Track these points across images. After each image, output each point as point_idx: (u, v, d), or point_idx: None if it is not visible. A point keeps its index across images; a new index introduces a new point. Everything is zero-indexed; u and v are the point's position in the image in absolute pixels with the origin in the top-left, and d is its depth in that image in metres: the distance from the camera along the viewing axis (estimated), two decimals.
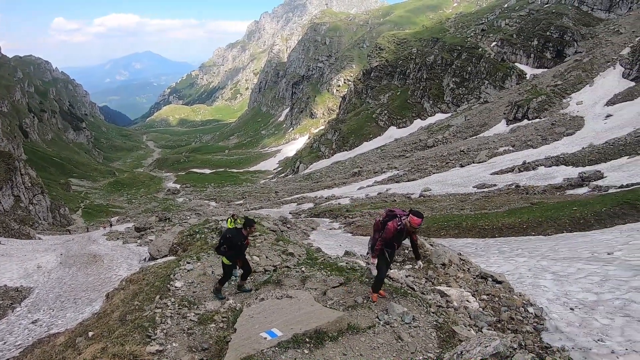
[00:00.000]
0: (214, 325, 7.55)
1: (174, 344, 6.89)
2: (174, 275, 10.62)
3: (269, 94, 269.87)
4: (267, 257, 13.00)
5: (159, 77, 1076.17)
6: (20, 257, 30.35)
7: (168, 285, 9.87)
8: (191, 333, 7.31)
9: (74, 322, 14.06)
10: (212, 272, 11.12)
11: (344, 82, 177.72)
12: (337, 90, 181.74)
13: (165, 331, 7.34)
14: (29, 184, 68.74)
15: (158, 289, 9.76)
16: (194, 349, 6.75)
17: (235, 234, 9.47)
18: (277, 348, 5.94)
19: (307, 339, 6.20)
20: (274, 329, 6.37)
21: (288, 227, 28.75)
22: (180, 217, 48.86)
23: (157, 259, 20.35)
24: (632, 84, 65.41)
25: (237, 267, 9.92)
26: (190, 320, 7.84)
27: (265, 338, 6.18)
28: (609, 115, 59.05)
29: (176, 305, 8.55)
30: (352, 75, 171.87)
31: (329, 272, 10.28)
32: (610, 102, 63.26)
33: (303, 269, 10.90)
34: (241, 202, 77.08)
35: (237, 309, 7.95)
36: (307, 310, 7.01)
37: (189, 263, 11.68)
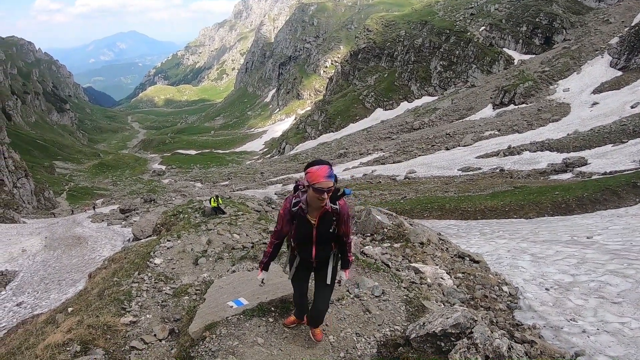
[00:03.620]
0: (187, 297, 7.69)
1: (147, 315, 7.04)
2: (153, 253, 10.74)
3: (255, 74, 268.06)
4: (247, 235, 13.13)
5: (144, 58, 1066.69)
6: (5, 242, 30.33)
7: (147, 262, 10.00)
8: (165, 305, 7.46)
9: (57, 303, 14.17)
10: (192, 249, 11.23)
11: (331, 64, 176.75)
12: (324, 71, 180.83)
13: (140, 304, 7.47)
14: (13, 168, 68.05)
15: (137, 265, 9.88)
16: (166, 320, 6.88)
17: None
18: (242, 316, 6.01)
19: (272, 308, 6.26)
20: (240, 298, 6.44)
21: (273, 208, 28.77)
22: (165, 199, 48.94)
23: (141, 239, 20.38)
24: (619, 73, 65.82)
25: None
26: (166, 293, 7.99)
27: (232, 306, 6.24)
28: (595, 103, 59.49)
29: (153, 280, 8.69)
30: (339, 56, 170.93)
31: None
32: (597, 90, 63.68)
33: None
34: (227, 183, 76.81)
35: (210, 281, 8.07)
36: (275, 282, 7.05)
37: (169, 241, 11.78)
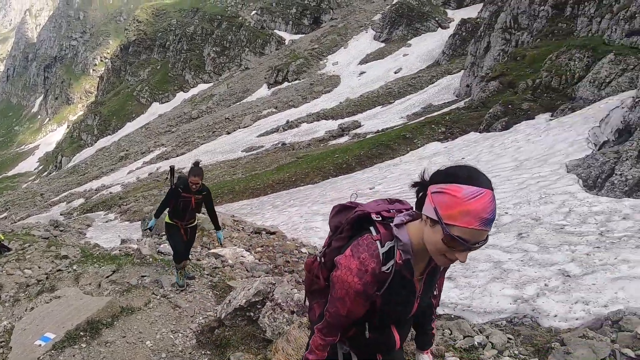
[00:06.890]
0: None
1: None
2: None
3: (19, 82, 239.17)
4: (39, 267, 12.24)
5: None
6: None
7: None
8: None
9: None
10: None
11: (101, 60, 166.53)
12: (93, 70, 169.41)
13: None
14: None
15: None
16: None
17: (180, 180, 7.28)
18: (53, 351, 5.91)
19: (81, 333, 6.23)
20: (47, 334, 6.34)
21: (61, 230, 26.59)
22: None
23: None
24: (382, 45, 73.56)
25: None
26: None
27: (40, 345, 6.12)
28: (362, 73, 65.08)
29: None
30: (109, 52, 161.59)
31: (102, 264, 10.15)
32: (363, 61, 70.27)
33: (75, 267, 10.49)
34: (5, 214, 68.93)
35: (12, 328, 7.59)
36: (77, 305, 7.09)
37: None
